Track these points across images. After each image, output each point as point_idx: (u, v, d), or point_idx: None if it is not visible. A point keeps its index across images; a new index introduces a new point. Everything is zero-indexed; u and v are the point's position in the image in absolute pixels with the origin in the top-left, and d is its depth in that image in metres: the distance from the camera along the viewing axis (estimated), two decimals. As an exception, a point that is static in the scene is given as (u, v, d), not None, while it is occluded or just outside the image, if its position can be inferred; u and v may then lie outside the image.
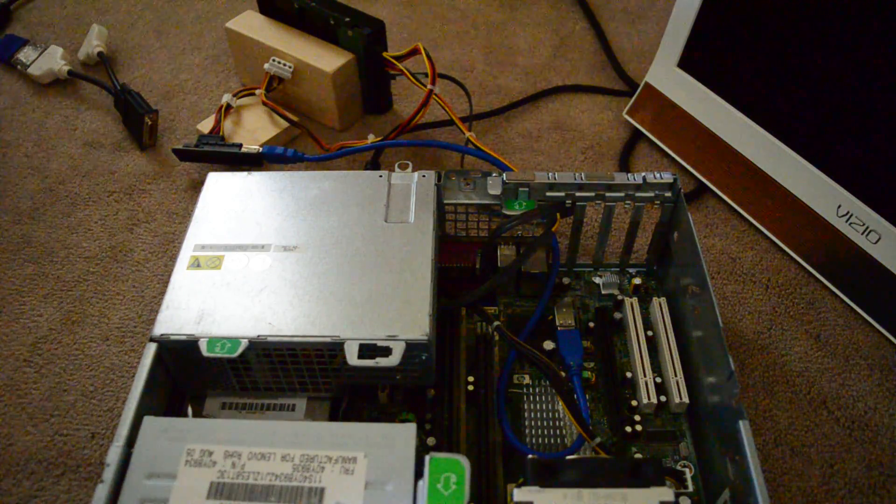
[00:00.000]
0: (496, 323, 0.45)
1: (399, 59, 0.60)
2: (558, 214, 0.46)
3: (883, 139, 0.47)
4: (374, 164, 0.60)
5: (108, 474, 0.33)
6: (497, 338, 0.45)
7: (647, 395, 0.43)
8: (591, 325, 0.47)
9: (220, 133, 0.60)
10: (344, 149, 0.57)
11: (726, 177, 0.57)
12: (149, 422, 0.35)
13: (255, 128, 0.61)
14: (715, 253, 0.55)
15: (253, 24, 0.63)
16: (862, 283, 0.50)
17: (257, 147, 0.57)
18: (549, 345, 0.45)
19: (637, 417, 0.43)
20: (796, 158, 0.52)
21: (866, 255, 0.49)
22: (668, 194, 0.46)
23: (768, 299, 0.52)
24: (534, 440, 0.42)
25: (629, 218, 0.47)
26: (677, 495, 0.34)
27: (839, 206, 0.51)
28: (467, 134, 0.57)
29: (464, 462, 0.33)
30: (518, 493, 0.32)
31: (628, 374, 0.44)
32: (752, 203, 0.56)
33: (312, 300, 0.39)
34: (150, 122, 0.61)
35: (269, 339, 0.37)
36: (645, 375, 0.43)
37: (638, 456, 0.41)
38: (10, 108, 0.66)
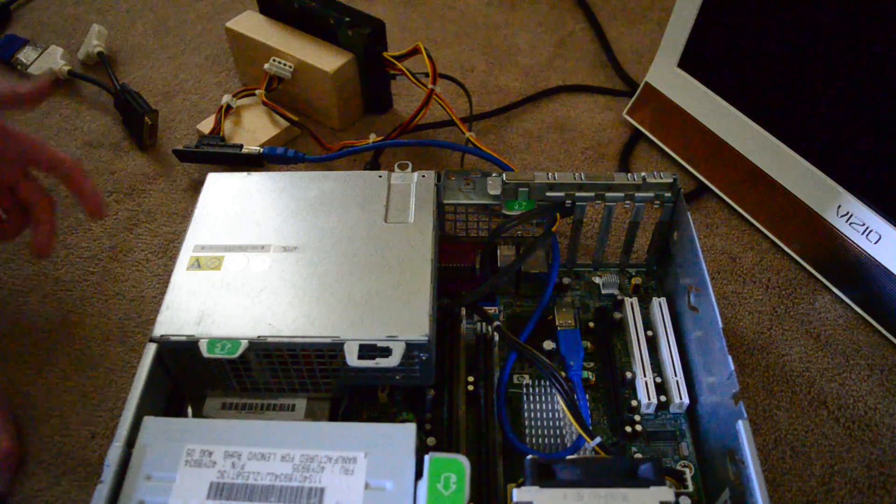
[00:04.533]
0: (496, 323, 0.45)
1: (399, 58, 0.60)
2: (558, 214, 0.46)
3: (883, 139, 0.47)
4: (374, 164, 0.60)
5: (108, 474, 0.33)
6: (497, 338, 0.45)
7: (647, 395, 0.43)
8: (591, 325, 0.47)
9: (221, 133, 0.60)
10: (346, 148, 0.57)
11: (726, 177, 0.57)
12: (149, 422, 0.35)
13: (255, 128, 0.61)
14: (715, 253, 0.55)
15: (253, 24, 0.63)
16: (862, 283, 0.50)
17: (258, 148, 0.57)
18: (549, 345, 0.45)
19: (637, 417, 0.43)
20: (796, 158, 0.52)
21: (866, 255, 0.49)
22: (668, 194, 0.46)
23: (768, 299, 0.52)
24: (534, 440, 0.42)
25: (629, 218, 0.47)
26: (677, 495, 0.34)
27: (839, 206, 0.50)
28: (467, 134, 0.57)
29: (464, 462, 0.33)
30: (518, 493, 0.32)
31: (628, 374, 0.44)
32: (752, 203, 0.56)
33: (312, 300, 0.39)
34: (150, 122, 0.61)
35: (269, 339, 0.37)
36: (645, 375, 0.43)
37: (638, 456, 0.41)
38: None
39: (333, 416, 0.41)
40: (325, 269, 0.40)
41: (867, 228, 0.49)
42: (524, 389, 0.45)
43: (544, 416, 0.43)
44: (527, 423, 0.43)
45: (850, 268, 0.51)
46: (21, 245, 0.54)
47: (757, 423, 0.45)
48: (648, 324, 0.46)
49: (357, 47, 0.60)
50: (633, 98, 0.64)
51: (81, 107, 0.66)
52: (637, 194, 0.46)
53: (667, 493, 0.32)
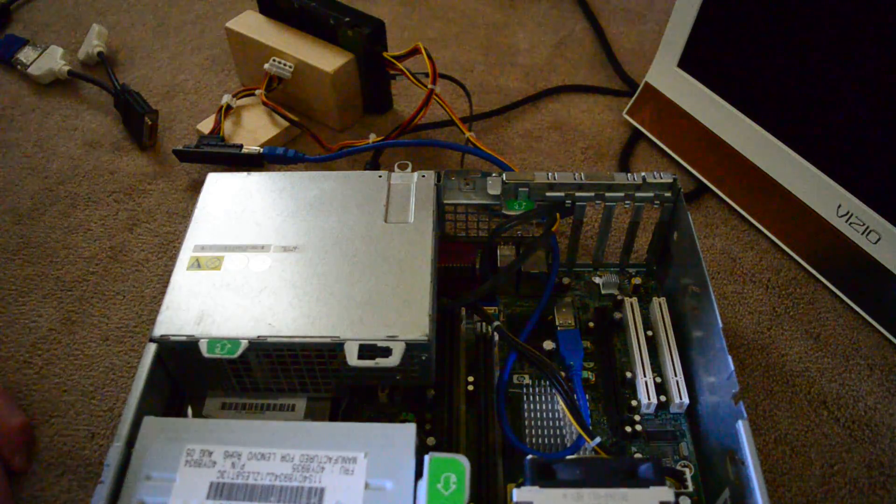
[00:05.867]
0: (496, 323, 0.45)
1: (399, 58, 0.60)
2: (558, 214, 0.46)
3: (883, 139, 0.47)
4: (374, 164, 0.60)
5: (108, 474, 0.33)
6: (497, 338, 0.45)
7: (647, 395, 0.43)
8: (591, 325, 0.47)
9: (220, 133, 0.60)
10: (345, 149, 0.57)
11: (726, 177, 0.57)
12: (149, 422, 0.35)
13: (255, 128, 0.61)
14: (715, 253, 0.55)
15: (253, 24, 0.63)
16: (862, 283, 0.50)
17: (258, 148, 0.57)
18: (549, 345, 0.45)
19: (637, 417, 0.43)
20: (796, 158, 0.52)
21: (866, 255, 0.49)
22: (668, 194, 0.46)
23: (768, 299, 0.52)
24: (534, 440, 0.42)
25: (629, 218, 0.47)
26: (677, 495, 0.34)
27: (839, 206, 0.50)
28: (467, 134, 0.57)
29: (464, 462, 0.33)
30: (518, 493, 0.32)
31: (628, 374, 0.44)
32: (752, 203, 0.56)
33: (312, 300, 0.39)
34: (150, 122, 0.61)
35: (269, 339, 0.37)
36: (645, 375, 0.43)
37: (638, 456, 0.41)
38: (10, 108, 0.66)
39: (333, 416, 0.41)
40: (325, 269, 0.40)
41: (867, 228, 0.49)
42: (524, 389, 0.44)
43: (544, 416, 0.43)
44: (527, 423, 0.43)
45: (850, 268, 0.51)
46: (21, 245, 0.54)
47: (757, 423, 0.45)
48: (648, 324, 0.46)
49: (357, 47, 0.60)
50: (633, 98, 0.64)
51: (81, 107, 0.66)
52: (637, 194, 0.46)
53: (667, 493, 0.32)
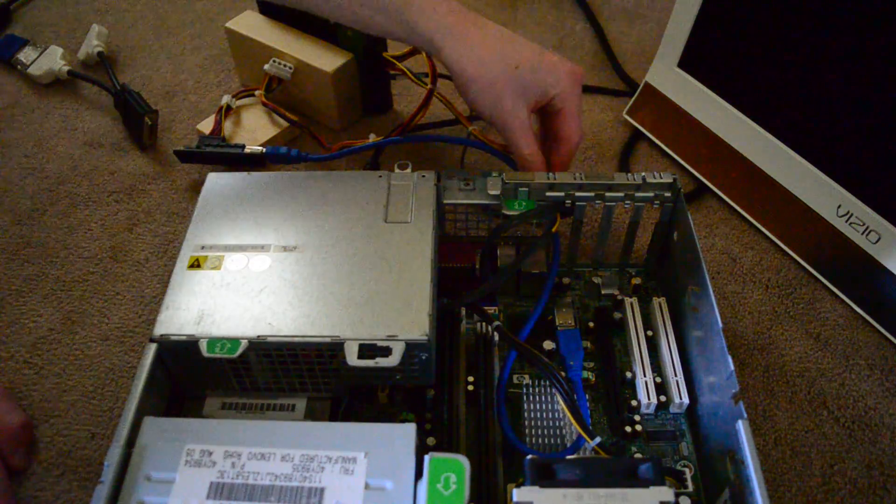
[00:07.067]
0: (496, 323, 0.45)
1: (399, 58, 0.60)
2: (558, 214, 0.46)
3: (883, 139, 0.47)
4: (374, 164, 0.60)
5: (108, 474, 0.33)
6: (497, 338, 0.45)
7: (647, 395, 0.43)
8: (591, 325, 0.47)
9: (221, 134, 0.60)
10: (345, 148, 0.57)
11: (726, 177, 0.57)
12: (149, 422, 0.35)
13: (255, 128, 0.61)
14: (715, 253, 0.55)
15: (253, 24, 0.63)
16: (862, 283, 0.50)
17: (260, 148, 0.57)
18: (549, 345, 0.45)
19: (637, 417, 0.43)
20: (796, 158, 0.52)
21: (866, 255, 0.49)
22: (668, 194, 0.46)
23: (768, 299, 0.52)
24: (534, 440, 0.42)
25: (629, 218, 0.47)
26: (677, 495, 0.34)
27: (839, 206, 0.50)
28: (469, 128, 0.57)
29: (464, 462, 0.33)
30: (518, 493, 0.32)
31: (628, 374, 0.44)
32: (752, 203, 0.56)
33: (312, 300, 0.39)
34: (150, 122, 0.61)
35: (269, 339, 0.37)
36: (645, 375, 0.43)
37: (638, 456, 0.41)
38: (10, 108, 0.66)
39: (333, 416, 0.41)
40: (325, 269, 0.40)
41: (867, 228, 0.49)
42: (524, 389, 0.44)
43: (544, 416, 0.43)
44: (527, 423, 0.43)
45: (850, 268, 0.51)
46: (21, 245, 0.54)
47: (757, 423, 0.45)
48: (648, 324, 0.46)
49: (357, 47, 0.60)
50: (633, 98, 0.64)
51: (81, 107, 0.66)
52: (637, 194, 0.46)
53: (667, 493, 0.32)
